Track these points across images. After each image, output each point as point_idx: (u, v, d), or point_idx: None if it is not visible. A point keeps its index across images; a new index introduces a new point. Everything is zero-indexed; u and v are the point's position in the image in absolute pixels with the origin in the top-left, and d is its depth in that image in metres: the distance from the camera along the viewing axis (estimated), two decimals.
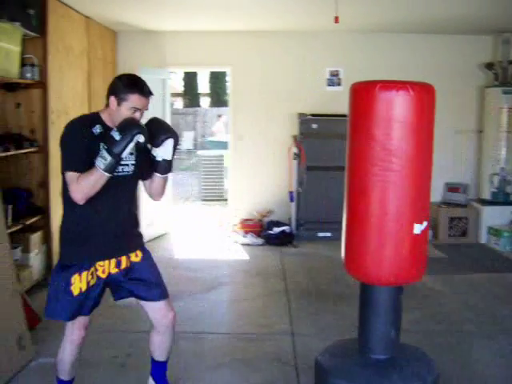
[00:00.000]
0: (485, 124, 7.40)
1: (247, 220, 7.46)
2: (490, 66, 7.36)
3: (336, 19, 4.87)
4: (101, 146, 2.60)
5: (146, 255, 3.00)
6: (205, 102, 23.41)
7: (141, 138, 2.63)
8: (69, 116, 5.60)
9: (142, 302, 2.98)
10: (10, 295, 3.74)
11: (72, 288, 2.75)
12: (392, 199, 2.81)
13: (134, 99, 2.68)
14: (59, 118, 5.43)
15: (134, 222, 3.01)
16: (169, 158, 2.83)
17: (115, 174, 2.70)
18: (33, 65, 5.03)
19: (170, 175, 3.02)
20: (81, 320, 2.87)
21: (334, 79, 7.46)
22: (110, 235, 2.83)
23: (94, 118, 2.78)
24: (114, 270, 2.87)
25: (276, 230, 7.10)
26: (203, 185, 10.54)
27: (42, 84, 5.14)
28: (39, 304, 4.83)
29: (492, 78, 7.35)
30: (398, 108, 2.76)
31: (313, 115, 7.09)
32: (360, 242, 2.93)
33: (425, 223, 2.88)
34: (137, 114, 2.71)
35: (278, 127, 7.54)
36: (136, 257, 2.93)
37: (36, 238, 5.14)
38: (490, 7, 5.74)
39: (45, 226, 5.30)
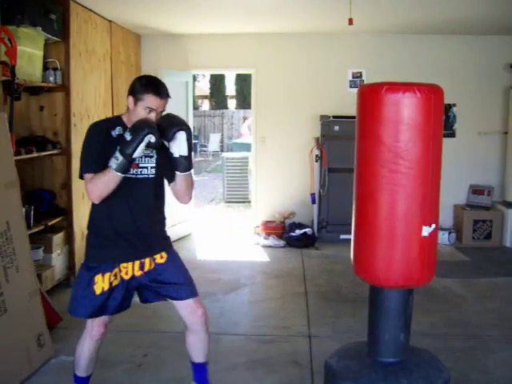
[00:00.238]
0: (510, 125, 7.29)
1: (269, 222, 7.47)
2: None
3: (350, 21, 4.83)
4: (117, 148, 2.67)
5: (172, 256, 3.02)
6: (232, 103, 23.49)
7: (152, 139, 2.64)
8: (91, 118, 5.71)
9: (173, 302, 3.02)
10: (30, 294, 3.80)
11: (95, 287, 2.82)
12: (400, 201, 2.80)
13: (148, 99, 2.72)
14: (82, 120, 5.51)
15: (159, 224, 3.04)
16: (185, 153, 2.79)
17: (135, 176, 2.77)
18: (55, 68, 5.12)
19: (194, 177, 3.04)
20: (101, 317, 2.93)
21: (356, 81, 7.43)
22: (134, 237, 2.87)
23: (115, 121, 2.86)
24: (138, 273, 2.90)
25: (298, 232, 7.09)
26: (227, 187, 10.58)
27: (64, 87, 5.22)
28: (61, 303, 4.91)
29: None
30: (404, 110, 2.75)
31: (334, 117, 7.06)
32: (368, 244, 2.92)
33: (433, 225, 2.86)
34: (152, 115, 2.73)
35: (300, 129, 7.53)
36: (161, 258, 2.96)
37: (58, 238, 5.21)
38: None
39: (67, 227, 5.38)
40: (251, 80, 7.80)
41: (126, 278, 2.88)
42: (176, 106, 7.09)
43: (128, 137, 2.62)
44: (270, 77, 7.55)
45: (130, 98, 2.76)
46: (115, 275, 2.84)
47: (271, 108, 7.58)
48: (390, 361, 3.02)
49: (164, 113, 2.82)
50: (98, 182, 2.65)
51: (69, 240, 5.39)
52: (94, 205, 2.84)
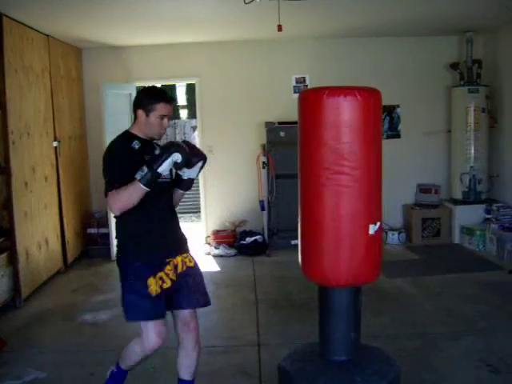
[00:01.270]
0: (453, 124, 7.44)
1: (220, 231, 7.44)
2: (455, 65, 7.40)
3: (279, 27, 4.87)
4: (146, 159, 2.81)
5: (196, 262, 3.19)
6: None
7: (178, 158, 2.78)
8: (32, 135, 5.60)
9: (174, 313, 3.10)
10: None
11: (149, 290, 2.90)
12: (345, 202, 2.86)
13: (160, 108, 2.90)
14: (21, 137, 5.41)
15: (179, 228, 3.21)
16: (194, 176, 3.06)
17: (160, 180, 2.87)
18: None
19: None
20: (161, 328, 2.98)
21: (300, 86, 7.48)
22: (164, 239, 3.01)
23: (128, 136, 2.98)
24: (174, 277, 3.00)
25: (248, 239, 7.09)
26: None
27: (0, 104, 5.10)
28: (6, 326, 4.83)
29: (458, 77, 7.40)
30: (346, 113, 2.81)
31: (280, 123, 7.09)
32: (316, 245, 2.97)
33: (378, 223, 2.95)
34: (165, 121, 2.94)
35: (246, 137, 7.54)
36: (190, 262, 3.12)
37: (1, 259, 5.09)
38: (453, 7, 5.76)
39: (10, 248, 5.24)
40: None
41: (175, 279, 2.99)
42: (120, 118, 7.03)
43: (156, 151, 2.84)
44: (214, 86, 7.54)
45: (140, 111, 2.93)
46: (161, 278, 2.94)
47: (217, 117, 7.57)
48: (342, 359, 3.08)
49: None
50: (122, 194, 2.76)
51: (12, 261, 5.25)
52: (123, 217, 2.90)
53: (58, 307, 5.35)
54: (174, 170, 3.04)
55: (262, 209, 7.14)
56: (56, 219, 6.34)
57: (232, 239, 7.27)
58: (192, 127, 16.09)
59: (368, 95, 2.84)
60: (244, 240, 7.13)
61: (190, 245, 3.23)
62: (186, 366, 3.14)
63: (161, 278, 2.94)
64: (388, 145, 7.64)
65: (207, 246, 7.30)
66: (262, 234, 7.24)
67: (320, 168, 2.84)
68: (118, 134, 3.04)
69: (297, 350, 3.45)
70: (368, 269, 2.98)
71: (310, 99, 2.91)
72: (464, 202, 7.27)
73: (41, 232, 5.85)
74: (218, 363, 4.05)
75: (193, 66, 7.53)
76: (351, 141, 2.80)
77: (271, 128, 7.10)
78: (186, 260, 3.09)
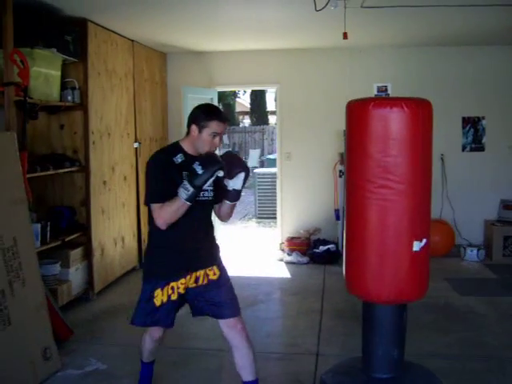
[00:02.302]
0: None
1: (294, 238, 7.43)
2: None
3: (345, 35, 4.80)
4: (184, 175, 2.90)
5: (223, 273, 3.21)
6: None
7: (220, 173, 2.87)
8: (112, 136, 5.83)
9: (217, 320, 3.18)
10: (36, 308, 3.88)
11: (155, 300, 3.05)
12: (389, 217, 2.78)
13: (213, 125, 2.95)
14: (101, 138, 5.64)
15: (212, 240, 3.26)
16: (239, 188, 3.07)
17: (198, 198, 2.95)
18: (73, 88, 5.25)
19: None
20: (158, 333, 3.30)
21: (381, 95, 7.35)
22: (194, 253, 3.07)
23: (174, 148, 3.05)
24: (192, 285, 3.09)
25: (321, 248, 7.04)
26: (259, 202, 10.59)
27: (82, 106, 5.35)
28: (76, 317, 5.04)
29: None
30: (392, 125, 2.75)
31: None
32: (359, 260, 2.92)
33: (424, 240, 2.83)
34: (216, 139, 2.98)
35: (324, 145, 7.50)
36: (214, 275, 3.15)
37: (76, 254, 5.32)
38: None
39: (86, 243, 5.48)
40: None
41: (183, 292, 3.08)
42: None
43: (199, 170, 2.81)
44: (294, 93, 7.56)
45: (194, 126, 2.97)
46: (172, 289, 3.04)
47: (296, 124, 7.58)
48: (383, 377, 3.01)
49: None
50: (168, 211, 2.85)
51: (87, 255, 5.48)
52: (155, 226, 2.97)
53: (126, 303, 5.48)
54: (214, 191, 3.10)
55: (337, 218, 7.06)
56: (133, 218, 6.56)
57: (305, 247, 7.25)
58: None
59: (416, 107, 2.75)
60: (317, 248, 7.08)
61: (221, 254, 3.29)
62: (244, 366, 3.16)
63: (172, 288, 3.04)
64: (471, 158, 7.44)
65: (281, 252, 7.31)
66: (336, 244, 7.15)
67: (364, 180, 2.79)
68: (159, 149, 3.18)
69: (340, 363, 3.41)
70: (412, 286, 2.90)
71: (356, 109, 2.88)
72: None
73: (117, 229, 6.07)
74: (272, 370, 4.04)
75: (273, 73, 7.60)
76: (397, 154, 2.73)
77: None
78: (210, 273, 3.13)
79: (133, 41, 6.49)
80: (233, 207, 3.20)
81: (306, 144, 7.57)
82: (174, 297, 3.05)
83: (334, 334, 4.72)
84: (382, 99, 2.79)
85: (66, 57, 5.00)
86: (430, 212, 2.92)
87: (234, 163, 3.01)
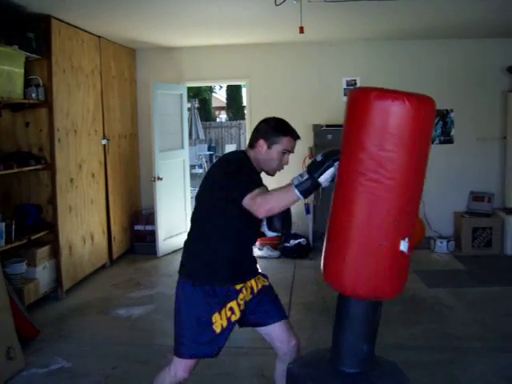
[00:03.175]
0: (508, 130, 7.18)
1: None
2: None
3: (301, 29, 4.82)
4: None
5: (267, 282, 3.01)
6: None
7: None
8: (78, 133, 5.78)
9: (263, 330, 2.98)
10: None
11: (214, 327, 2.73)
12: (376, 212, 2.63)
13: (286, 142, 2.80)
14: (67, 135, 5.60)
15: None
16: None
17: None
18: (38, 85, 5.20)
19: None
20: (193, 365, 2.83)
21: (350, 89, 7.39)
22: (248, 262, 2.90)
23: (245, 156, 2.85)
24: (248, 297, 2.85)
25: (292, 242, 7.07)
26: None
27: (47, 103, 5.30)
28: (44, 316, 5.02)
29: None
30: (391, 119, 2.54)
31: (327, 126, 7.02)
32: (340, 252, 2.77)
33: (406, 239, 2.70)
34: (285, 156, 2.83)
35: None
36: (264, 281, 2.96)
37: (43, 252, 5.28)
38: (510, 7, 5.54)
39: (53, 241, 5.44)
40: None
41: (243, 307, 2.82)
42: (170, 118, 7.17)
43: (319, 157, 2.52)
44: (264, 87, 7.56)
45: (262, 141, 2.78)
46: (231, 309, 2.75)
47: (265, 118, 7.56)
48: (350, 371, 2.90)
49: None
50: (272, 196, 2.52)
51: (55, 253, 5.44)
52: (212, 230, 2.76)
53: (95, 301, 5.51)
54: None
55: (307, 212, 7.10)
56: (103, 215, 6.53)
57: (276, 241, 7.26)
58: None
59: (417, 102, 2.57)
60: (288, 243, 7.11)
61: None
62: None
63: (231, 309, 2.75)
64: (440, 150, 7.50)
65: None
66: (307, 238, 7.19)
67: (356, 173, 2.61)
68: (234, 150, 2.99)
69: (307, 354, 3.38)
70: (390, 284, 2.76)
71: (356, 99, 2.67)
72: None
73: (86, 227, 6.04)
74: (238, 365, 4.07)
75: (243, 68, 7.60)
76: (392, 149, 2.55)
77: (318, 131, 7.05)
78: (259, 281, 2.92)
79: (100, 37, 6.44)
80: None
81: None
82: (234, 317, 2.76)
83: (301, 328, 4.70)
84: (385, 91, 2.64)
85: (29, 54, 4.95)
86: (418, 211, 2.78)
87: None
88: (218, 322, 2.71)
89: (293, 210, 7.38)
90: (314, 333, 4.61)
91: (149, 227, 7.25)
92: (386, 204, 2.60)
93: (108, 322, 4.98)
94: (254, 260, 2.97)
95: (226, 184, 2.67)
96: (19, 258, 4.98)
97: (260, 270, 3.01)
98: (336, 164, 2.51)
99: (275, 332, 2.95)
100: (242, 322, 2.91)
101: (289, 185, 2.49)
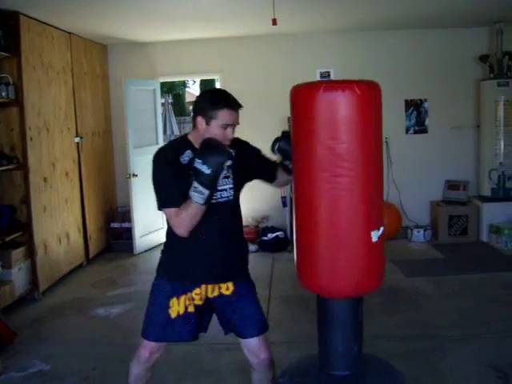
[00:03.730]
0: (482, 118, 7.23)
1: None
2: (484, 58, 7.19)
3: (274, 21, 4.80)
4: (191, 176, 2.48)
5: (242, 289, 2.82)
6: None
7: (228, 163, 2.48)
8: (51, 132, 5.69)
9: (240, 339, 2.89)
10: None
11: (170, 311, 2.71)
12: (344, 207, 2.55)
13: (223, 115, 2.57)
14: (39, 134, 5.51)
15: (240, 247, 2.88)
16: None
17: (216, 200, 2.63)
18: (7, 83, 5.11)
19: None
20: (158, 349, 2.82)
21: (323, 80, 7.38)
22: (212, 262, 2.72)
23: (182, 144, 2.67)
24: (211, 295, 2.76)
25: (270, 235, 7.06)
26: None
27: (18, 102, 5.21)
28: (22, 318, 4.95)
29: (487, 70, 7.18)
30: (344, 109, 2.47)
31: None
32: (312, 253, 2.67)
33: (381, 229, 2.65)
34: (228, 131, 2.61)
35: (269, 132, 7.21)
36: (227, 290, 2.78)
37: (18, 253, 5.20)
38: None
39: (28, 242, 5.36)
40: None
41: (200, 303, 2.75)
42: (144, 114, 7.10)
43: (206, 170, 2.41)
44: (238, 80, 7.49)
45: (200, 119, 2.57)
46: (190, 299, 2.72)
47: (240, 112, 7.52)
48: (344, 374, 2.80)
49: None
50: (184, 218, 2.50)
51: (30, 254, 5.36)
52: (169, 229, 2.69)
53: (73, 301, 5.44)
54: (234, 188, 2.76)
55: (284, 205, 7.09)
56: (78, 214, 6.45)
57: (254, 235, 7.24)
58: None
59: (368, 89, 2.52)
60: (266, 236, 7.10)
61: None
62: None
63: (190, 299, 2.72)
64: (415, 140, 7.55)
65: None
66: (284, 231, 7.19)
67: (316, 169, 2.54)
68: (175, 137, 2.76)
69: (295, 364, 3.19)
70: (370, 278, 2.68)
71: (305, 95, 2.57)
72: (493, 199, 7.06)
73: (61, 226, 5.95)
74: (220, 361, 4.05)
75: (215, 62, 7.54)
76: (350, 139, 2.49)
77: None
78: (223, 287, 2.76)
79: (70, 33, 6.34)
80: (286, 179, 2.98)
81: (250, 131, 7.44)
82: (191, 309, 2.72)
83: (281, 321, 4.74)
84: (332, 82, 2.58)
85: None
86: (383, 199, 2.73)
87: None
88: (175, 307, 2.70)
89: (271, 204, 7.42)
90: (295, 326, 4.62)
91: (125, 225, 7.17)
92: (352, 196, 2.52)
93: (87, 322, 4.92)
94: (227, 264, 2.75)
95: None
96: None
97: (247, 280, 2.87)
98: (225, 166, 2.45)
99: (250, 345, 2.85)
100: (225, 328, 2.91)
101: (190, 201, 2.46)
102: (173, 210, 2.53)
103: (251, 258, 6.79)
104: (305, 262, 2.73)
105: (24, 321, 4.90)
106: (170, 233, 2.69)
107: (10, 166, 5.15)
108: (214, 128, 2.56)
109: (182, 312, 2.71)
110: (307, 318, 4.75)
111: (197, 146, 2.59)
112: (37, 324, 4.88)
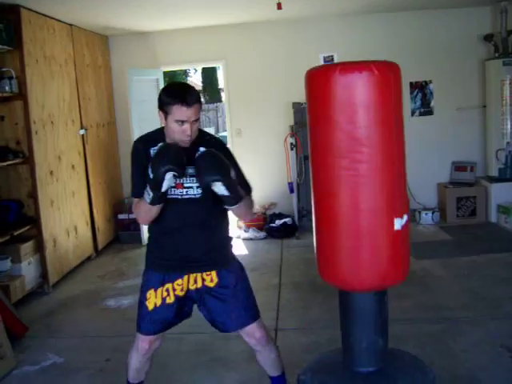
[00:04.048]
0: (487, 98, 7.17)
1: None
2: (489, 37, 7.12)
3: (278, 5, 4.75)
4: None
5: (227, 280, 2.79)
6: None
7: (169, 175, 2.42)
8: (56, 124, 5.68)
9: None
10: None
11: (147, 303, 2.74)
12: (365, 194, 2.45)
13: (176, 111, 2.46)
14: (44, 127, 5.49)
15: (213, 243, 2.77)
16: (226, 194, 2.47)
17: (180, 196, 2.62)
18: (10, 77, 5.08)
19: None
20: (148, 344, 2.83)
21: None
22: (180, 254, 2.71)
23: (158, 135, 2.66)
24: (192, 287, 2.76)
25: (278, 222, 7.05)
26: None
27: (21, 95, 5.18)
28: (32, 312, 4.96)
29: (492, 50, 7.11)
30: (362, 91, 2.37)
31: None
32: (333, 246, 2.57)
33: (405, 217, 2.52)
34: (185, 127, 2.49)
35: (274, 118, 7.47)
36: (211, 282, 2.75)
37: (27, 247, 5.21)
38: None
39: (37, 236, 5.35)
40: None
41: (181, 294, 2.75)
42: (147, 104, 7.05)
43: (150, 174, 2.43)
44: (241, 67, 7.48)
45: (160, 113, 2.55)
46: (167, 291, 2.72)
47: (244, 99, 7.52)
48: (369, 370, 2.70)
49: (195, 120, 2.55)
50: (141, 211, 2.61)
51: (39, 248, 5.36)
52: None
53: (83, 293, 5.45)
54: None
55: (291, 191, 7.06)
56: (85, 206, 6.45)
57: (262, 222, 7.24)
58: None
59: (386, 70, 2.41)
60: (273, 223, 7.09)
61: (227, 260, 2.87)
62: (269, 365, 3.02)
63: (167, 290, 2.71)
64: (421, 122, 7.50)
65: (237, 229, 7.29)
66: (292, 217, 7.17)
67: (334, 156, 2.43)
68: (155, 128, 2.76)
69: (318, 360, 3.10)
70: (394, 269, 2.55)
71: (320, 78, 2.48)
72: (500, 179, 7.01)
73: (69, 219, 5.95)
74: (232, 349, 4.02)
75: (218, 49, 7.50)
76: (369, 123, 2.38)
77: (298, 108, 6.98)
78: (207, 279, 2.74)
79: (71, 25, 6.30)
80: (241, 210, 2.63)
81: (255, 119, 7.53)
82: (169, 300, 2.71)
83: (292, 308, 4.74)
84: (349, 63, 2.48)
85: (0, 46, 4.83)
86: (406, 185, 2.59)
87: (207, 169, 2.45)
88: (152, 299, 2.72)
89: (279, 190, 7.40)
90: (306, 312, 4.62)
91: (132, 216, 7.16)
92: (374, 183, 2.43)
93: (98, 314, 4.93)
94: (205, 253, 2.72)
95: None
96: (3, 255, 4.92)
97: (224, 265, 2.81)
98: (167, 175, 2.40)
99: (244, 329, 2.89)
100: (219, 329, 2.91)
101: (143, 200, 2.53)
102: (135, 200, 2.66)
103: (260, 245, 6.86)
104: (326, 256, 2.64)
105: (35, 315, 4.91)
106: (150, 225, 2.75)
107: (16, 161, 5.14)
108: (171, 123, 2.51)
109: (158, 304, 2.72)
110: (318, 303, 4.77)
111: (167, 139, 2.61)
112: (48, 317, 4.88)
